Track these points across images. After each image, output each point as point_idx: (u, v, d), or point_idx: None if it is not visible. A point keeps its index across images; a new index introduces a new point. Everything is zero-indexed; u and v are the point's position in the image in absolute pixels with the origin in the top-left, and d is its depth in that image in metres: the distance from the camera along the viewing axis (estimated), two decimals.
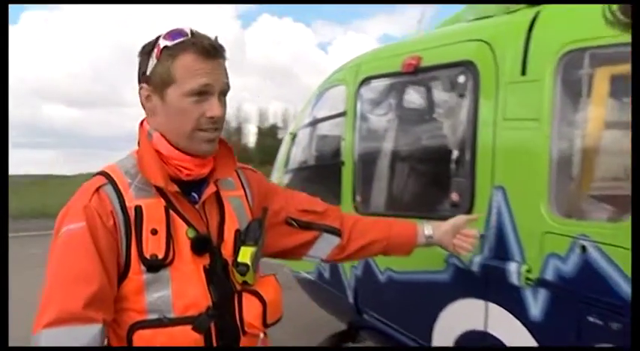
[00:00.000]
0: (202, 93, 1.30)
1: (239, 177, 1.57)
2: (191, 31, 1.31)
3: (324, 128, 3.66)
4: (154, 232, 1.27)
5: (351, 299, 3.12)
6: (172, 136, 1.35)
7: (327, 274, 3.42)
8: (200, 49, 1.29)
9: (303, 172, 4.07)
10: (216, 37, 1.34)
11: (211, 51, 1.30)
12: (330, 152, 3.46)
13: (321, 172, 3.69)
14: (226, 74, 1.36)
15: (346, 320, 3.51)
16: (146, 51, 1.35)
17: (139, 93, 1.37)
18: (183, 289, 1.29)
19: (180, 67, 1.29)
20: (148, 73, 1.34)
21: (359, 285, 3.02)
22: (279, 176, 4.38)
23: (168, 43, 1.30)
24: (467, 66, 2.22)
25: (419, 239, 1.79)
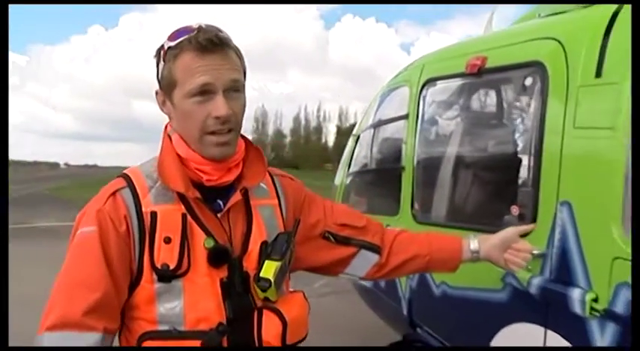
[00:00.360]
0: (205, 92, 1.22)
1: (274, 185, 1.47)
2: (199, 27, 1.23)
3: (386, 131, 3.52)
4: (167, 240, 1.22)
5: (405, 311, 2.97)
6: (187, 140, 1.29)
7: (383, 283, 3.29)
8: (195, 45, 1.20)
9: (364, 176, 3.96)
10: (218, 29, 1.24)
11: (208, 46, 1.20)
12: (391, 156, 3.32)
13: (382, 177, 3.56)
14: (235, 68, 1.26)
15: (401, 332, 3.35)
16: (156, 54, 1.29)
17: (156, 99, 1.33)
18: (195, 301, 1.23)
19: (180, 67, 1.22)
20: (159, 76, 1.29)
21: (413, 297, 2.86)
22: (341, 178, 4.30)
23: (171, 44, 1.24)
24: (535, 67, 2.01)
25: (464, 255, 1.63)
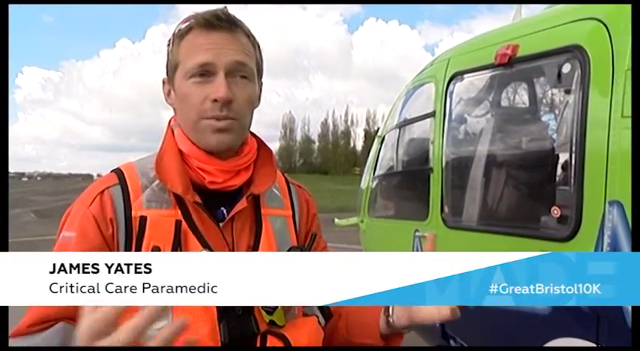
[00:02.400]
0: (204, 73, 1.08)
1: (290, 194, 1.29)
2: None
3: (412, 131, 3.35)
4: (156, 250, 1.07)
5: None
6: (186, 131, 1.14)
7: None
8: (201, 21, 1.07)
9: (390, 179, 3.79)
10: (224, 7, 1.11)
11: (212, 20, 1.07)
12: (419, 157, 3.15)
13: (409, 180, 3.38)
14: (244, 51, 1.11)
15: (433, 344, 3.16)
16: (168, 42, 1.16)
17: (163, 91, 1.20)
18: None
19: (184, 47, 1.10)
20: (167, 64, 1.16)
21: None
22: (366, 182, 4.13)
23: (182, 26, 1.11)
24: (574, 52, 1.81)
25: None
